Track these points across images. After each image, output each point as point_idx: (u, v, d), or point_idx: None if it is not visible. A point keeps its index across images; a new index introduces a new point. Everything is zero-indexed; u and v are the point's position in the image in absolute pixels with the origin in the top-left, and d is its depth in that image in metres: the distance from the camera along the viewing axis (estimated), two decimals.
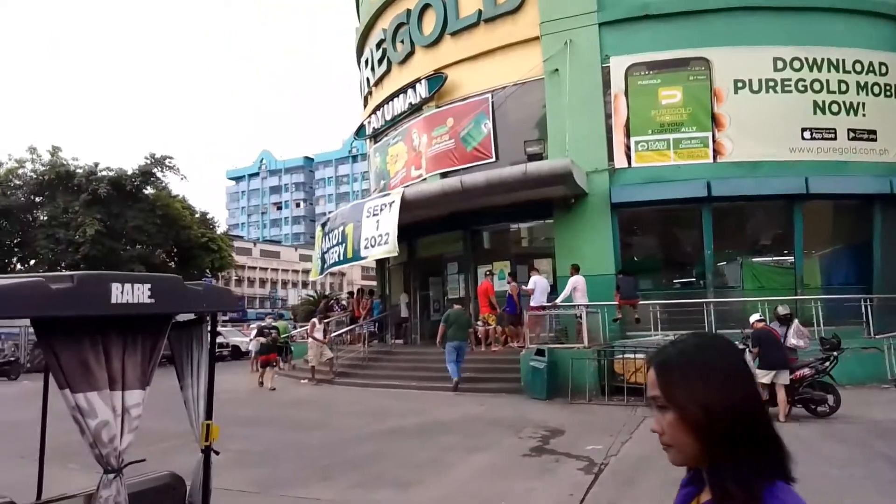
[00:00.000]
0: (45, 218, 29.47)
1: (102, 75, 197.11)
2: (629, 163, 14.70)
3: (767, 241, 15.45)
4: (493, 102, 16.55)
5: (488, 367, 13.97)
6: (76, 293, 2.10)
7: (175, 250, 32.83)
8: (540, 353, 12.06)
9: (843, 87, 14.63)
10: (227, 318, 58.72)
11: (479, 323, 15.22)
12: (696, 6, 14.67)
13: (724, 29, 14.61)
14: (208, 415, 2.74)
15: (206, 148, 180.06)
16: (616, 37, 15.03)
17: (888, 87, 14.98)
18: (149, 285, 2.29)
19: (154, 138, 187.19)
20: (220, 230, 38.13)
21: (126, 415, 2.31)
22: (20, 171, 29.61)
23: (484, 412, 10.75)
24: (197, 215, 34.35)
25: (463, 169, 16.54)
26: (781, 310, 10.19)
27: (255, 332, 21.95)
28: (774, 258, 14.94)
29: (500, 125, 16.49)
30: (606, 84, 14.94)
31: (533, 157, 14.59)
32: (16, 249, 29.58)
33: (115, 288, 2.19)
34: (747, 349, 9.38)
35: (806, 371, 9.20)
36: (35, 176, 29.54)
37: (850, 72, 14.68)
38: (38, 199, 29.93)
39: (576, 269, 13.60)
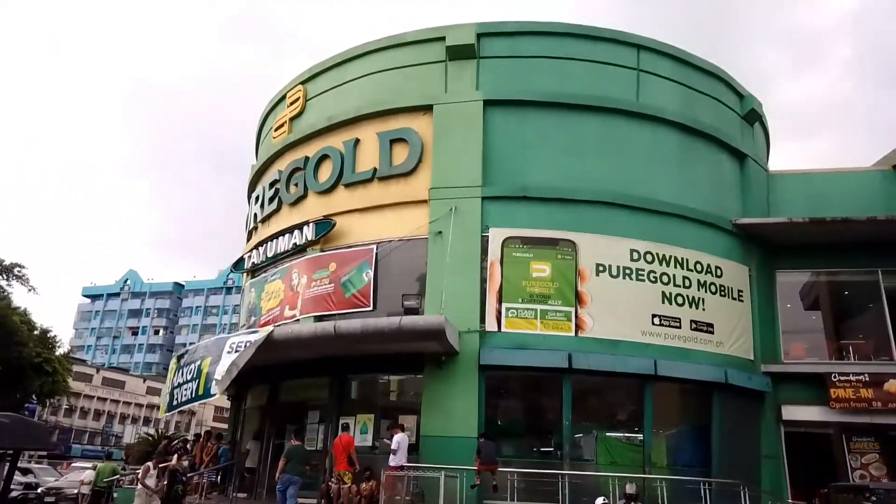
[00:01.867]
0: None
1: None
2: (499, 327, 15.31)
3: (623, 417, 16.19)
4: (377, 253, 16.98)
5: None
6: None
7: (1, 368, 28.99)
8: None
9: (687, 283, 16.50)
10: (44, 454, 51.08)
11: (332, 480, 14.28)
12: (568, 195, 16.40)
13: (591, 217, 16.32)
14: None
15: (69, 259, 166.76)
16: (496, 210, 16.30)
17: (723, 288, 17.08)
18: None
19: (8, 241, 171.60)
20: (60, 351, 34.32)
21: None
22: None
23: None
24: (36, 332, 30.93)
25: (339, 314, 16.44)
26: (629, 488, 10.49)
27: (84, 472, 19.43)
28: (627, 434, 15.58)
29: (382, 276, 16.81)
30: (484, 251, 15.90)
31: (410, 311, 14.84)
32: None
33: None
34: None
35: None
36: None
37: (692, 270, 16.68)
38: None
39: (401, 428, 13.96)
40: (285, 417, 17.88)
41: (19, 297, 32.90)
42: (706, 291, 16.71)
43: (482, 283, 15.65)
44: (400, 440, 13.43)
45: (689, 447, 15.95)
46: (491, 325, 15.33)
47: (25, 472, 25.72)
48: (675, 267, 16.49)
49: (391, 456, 13.20)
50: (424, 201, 16.73)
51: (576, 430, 14.93)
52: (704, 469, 14.81)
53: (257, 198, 22.06)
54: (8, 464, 2.15)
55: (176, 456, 15.87)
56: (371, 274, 16.84)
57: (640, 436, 15.15)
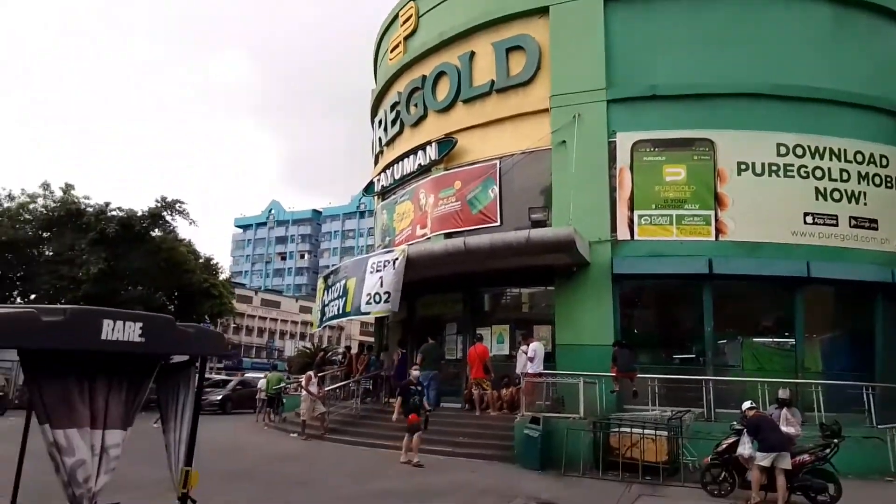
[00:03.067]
0: (51, 254, 29.61)
1: (124, 116, 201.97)
2: (632, 235, 14.85)
3: (769, 323, 15.38)
4: (500, 168, 16.88)
5: (482, 432, 13.71)
6: (67, 326, 2.10)
7: (176, 294, 32.78)
8: (535, 421, 11.87)
9: (845, 176, 14.90)
10: (221, 365, 58.06)
11: (473, 387, 15.04)
12: (703, 90, 15.14)
13: (730, 112, 15.02)
14: (188, 461, 2.68)
15: (218, 194, 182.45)
16: (623, 114, 15.45)
17: (889, 179, 15.25)
18: (140, 324, 2.30)
19: (167, 182, 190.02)
20: (222, 276, 38.12)
21: (104, 455, 2.27)
22: (31, 206, 29.96)
23: (474, 479, 10.49)
24: (201, 260, 34.44)
25: (467, 231, 16.73)
26: (782, 393, 10.06)
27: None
28: (775, 340, 14.84)
29: (507, 191, 16.77)
30: (612, 158, 15.27)
31: (537, 224, 14.77)
32: (17, 283, 29.59)
33: (107, 324, 2.19)
34: (745, 432, 9.22)
35: (805, 457, 9.00)
36: (45, 212, 29.85)
37: (851, 161, 14.99)
38: (45, 235, 30.13)
39: (535, 338, 14.24)
40: (425, 330, 18.84)
41: (182, 230, 37.26)
42: (868, 184, 15.02)
43: (611, 191, 15.14)
44: (536, 348, 13.75)
45: (846, 352, 14.91)
46: (623, 233, 14.90)
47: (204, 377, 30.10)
48: (831, 159, 14.90)
49: (528, 364, 13.59)
50: (545, 111, 16.21)
51: (718, 337, 14.43)
52: (863, 374, 13.82)
53: (380, 122, 22.51)
54: (196, 370, 2.53)
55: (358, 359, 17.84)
56: (496, 190, 16.85)
57: (791, 341, 14.37)
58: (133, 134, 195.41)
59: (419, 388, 12.40)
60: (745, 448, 9.17)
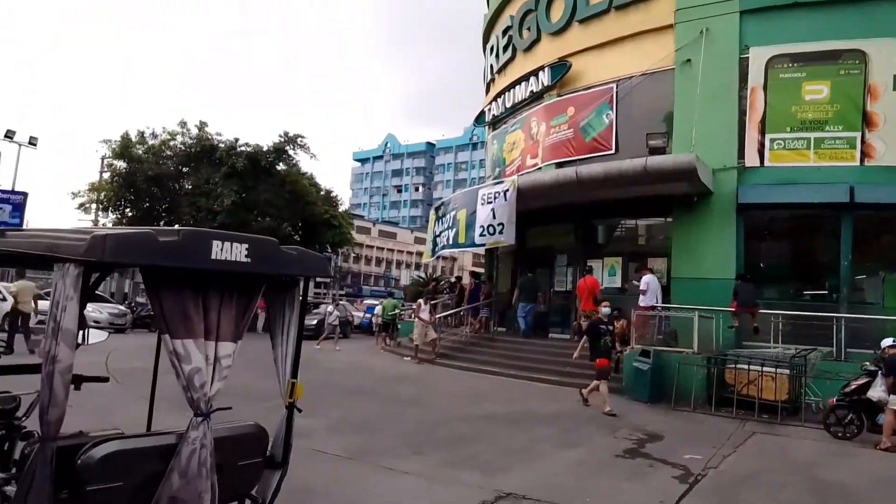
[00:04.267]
0: (190, 187, 32.14)
1: (249, 55, 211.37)
2: (762, 162, 13.71)
3: None
4: (617, 93, 16.02)
5: (590, 363, 13.64)
6: (180, 246, 2.29)
7: (300, 224, 34.76)
8: (645, 354, 11.64)
9: None
10: (342, 292, 61.57)
11: (582, 319, 14.91)
12: None
13: (887, 18, 13.16)
14: (293, 374, 2.89)
15: (341, 130, 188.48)
16: (758, 26, 14.00)
17: None
18: (246, 245, 2.47)
19: (290, 118, 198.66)
20: (342, 208, 39.82)
21: (217, 364, 2.49)
22: (171, 143, 32.49)
23: (581, 409, 10.55)
24: (322, 193, 36.10)
25: (580, 160, 16.18)
26: None
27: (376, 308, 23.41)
28: None
29: (623, 116, 15.94)
30: (743, 77, 13.98)
31: (655, 151, 14.00)
32: (163, 214, 32.55)
33: (216, 245, 2.37)
34: (879, 374, 8.53)
35: None
36: (183, 148, 32.28)
37: None
38: (184, 170, 32.67)
39: (649, 270, 13.68)
40: (535, 261, 18.79)
41: (304, 163, 39.09)
42: None
43: (740, 114, 13.95)
44: (649, 281, 13.32)
45: None
46: (751, 160, 13.79)
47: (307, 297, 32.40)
48: None
49: (640, 296, 13.22)
50: (669, 27, 15.02)
51: (856, 271, 13.21)
52: None
53: (492, 48, 21.94)
54: (298, 291, 2.72)
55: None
56: (612, 115, 16.06)
57: None
58: (260, 73, 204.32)
59: (609, 327, 11.04)
60: (878, 391, 8.50)
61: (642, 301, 13.14)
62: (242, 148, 31.71)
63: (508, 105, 19.67)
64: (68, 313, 2.15)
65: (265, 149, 32.10)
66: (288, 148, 32.94)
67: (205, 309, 2.48)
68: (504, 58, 20.58)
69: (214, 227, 28.66)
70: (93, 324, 18.83)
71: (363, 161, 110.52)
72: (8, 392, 3.16)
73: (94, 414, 6.48)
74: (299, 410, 2.97)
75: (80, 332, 3.82)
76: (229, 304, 2.56)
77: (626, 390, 11.85)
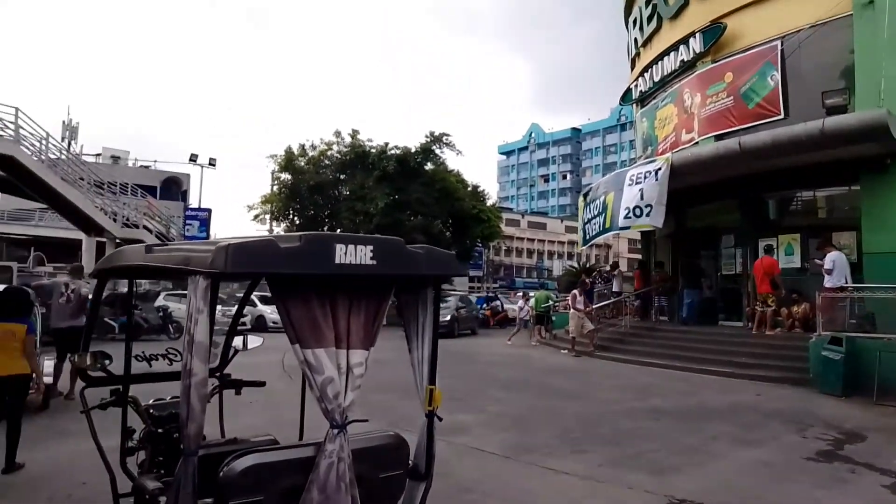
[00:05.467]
0: (347, 192, 34.04)
1: (389, 61, 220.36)
2: None
3: None
4: (782, 50, 14.34)
5: (766, 352, 12.39)
6: (302, 252, 2.23)
7: (450, 220, 35.52)
8: (835, 341, 10.28)
9: None
10: (497, 285, 62.03)
11: (757, 304, 13.56)
12: None
13: None
14: (431, 379, 2.75)
15: (481, 124, 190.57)
16: None
17: None
18: (371, 247, 2.36)
19: (435, 118, 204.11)
20: (489, 202, 40.06)
21: (350, 373, 2.41)
22: (328, 153, 34.63)
23: (760, 402, 9.56)
24: (469, 188, 36.59)
25: (742, 129, 14.71)
26: None
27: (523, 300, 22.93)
28: None
29: (791, 76, 14.24)
30: None
31: (833, 111, 12.31)
32: (326, 220, 34.80)
33: (339, 249, 2.29)
34: None
35: None
36: (339, 156, 34.24)
37: None
38: (341, 177, 34.65)
39: (834, 246, 12.11)
40: (696, 243, 17.49)
41: (450, 161, 39.64)
42: None
43: None
44: (835, 258, 11.76)
45: None
46: None
47: (492, 298, 32.68)
48: None
49: (825, 277, 11.72)
50: None
51: None
52: None
53: (634, 21, 20.74)
54: (431, 293, 2.58)
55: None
56: (777, 76, 14.41)
57: None
58: (401, 77, 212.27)
59: None
60: None
61: (828, 282, 11.63)
62: (392, 151, 33.00)
63: (657, 79, 18.46)
64: (200, 326, 2.16)
65: (413, 150, 33.15)
66: (434, 147, 33.77)
67: (333, 316, 2.41)
68: (649, 29, 19.35)
69: (371, 228, 30.11)
70: (272, 325, 20.53)
71: (508, 153, 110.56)
72: (162, 399, 3.38)
73: (262, 415, 6.99)
74: (440, 419, 2.83)
75: (241, 339, 4.06)
76: (358, 310, 2.48)
77: (814, 382, 10.56)
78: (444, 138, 33.87)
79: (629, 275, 24.69)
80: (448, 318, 21.29)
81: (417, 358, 2.75)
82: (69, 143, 37.19)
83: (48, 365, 8.13)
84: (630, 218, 14.92)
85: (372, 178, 31.99)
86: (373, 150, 33.33)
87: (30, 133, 22.34)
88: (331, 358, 2.35)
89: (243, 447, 2.58)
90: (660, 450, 6.74)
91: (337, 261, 2.27)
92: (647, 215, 14.49)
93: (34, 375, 5.84)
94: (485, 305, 31.99)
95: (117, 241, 25.41)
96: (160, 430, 3.18)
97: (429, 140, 33.62)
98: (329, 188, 34.33)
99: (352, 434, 2.46)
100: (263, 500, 2.26)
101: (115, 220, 26.75)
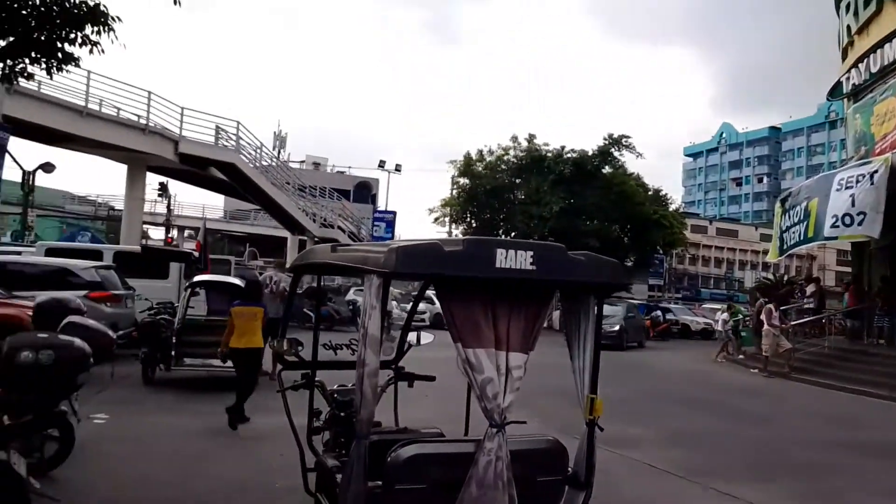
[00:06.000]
0: (522, 196, 34.33)
1: (565, 61, 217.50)
2: None
3: None
4: None
5: None
6: (464, 255, 2.34)
7: (628, 226, 34.30)
8: None
9: None
10: (679, 296, 58.47)
11: None
12: None
13: None
14: (592, 388, 2.72)
15: (662, 126, 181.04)
16: None
17: None
18: (531, 252, 2.41)
19: (611, 120, 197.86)
20: (672, 207, 38.00)
21: (509, 375, 2.47)
22: (505, 157, 35.17)
23: None
24: (650, 192, 35.05)
25: None
26: None
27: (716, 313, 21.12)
28: None
29: None
30: None
31: None
32: (501, 223, 35.38)
33: (500, 253, 2.36)
34: None
35: None
36: (515, 161, 34.61)
37: None
38: (517, 181, 35.02)
39: None
40: None
41: (630, 163, 37.78)
42: None
43: None
44: None
45: None
46: None
47: (665, 310, 30.61)
48: None
49: None
50: None
51: None
52: None
53: (847, 5, 18.44)
54: (594, 301, 2.50)
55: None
56: None
57: None
58: (578, 78, 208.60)
59: None
60: None
61: None
62: (568, 155, 32.68)
63: (874, 69, 16.25)
64: (373, 321, 2.35)
65: (590, 153, 32.53)
66: (613, 150, 32.86)
67: (494, 318, 2.49)
68: (866, 14, 17.08)
69: (545, 233, 30.06)
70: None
71: (695, 156, 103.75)
72: (345, 385, 3.69)
73: (435, 408, 7.31)
74: (601, 429, 2.79)
75: (415, 334, 4.32)
76: (518, 314, 2.54)
77: None
78: (623, 140, 32.85)
79: (837, 289, 21.97)
80: (616, 328, 19.64)
81: (579, 366, 2.76)
82: (279, 152, 41.88)
83: None
84: (838, 227, 13.26)
85: (547, 182, 31.92)
86: (549, 154, 33.25)
87: (247, 143, 25.59)
88: (490, 358, 2.44)
89: (410, 437, 2.77)
90: (861, 489, 5.96)
91: (497, 265, 2.36)
92: (860, 224, 12.78)
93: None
94: (644, 315, 29.70)
95: (316, 239, 28.15)
96: (342, 414, 3.50)
97: (607, 143, 32.79)
98: (505, 192, 34.86)
99: (511, 435, 2.52)
100: (425, 489, 2.41)
101: (314, 221, 29.68)
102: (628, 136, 32.85)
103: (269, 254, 38.59)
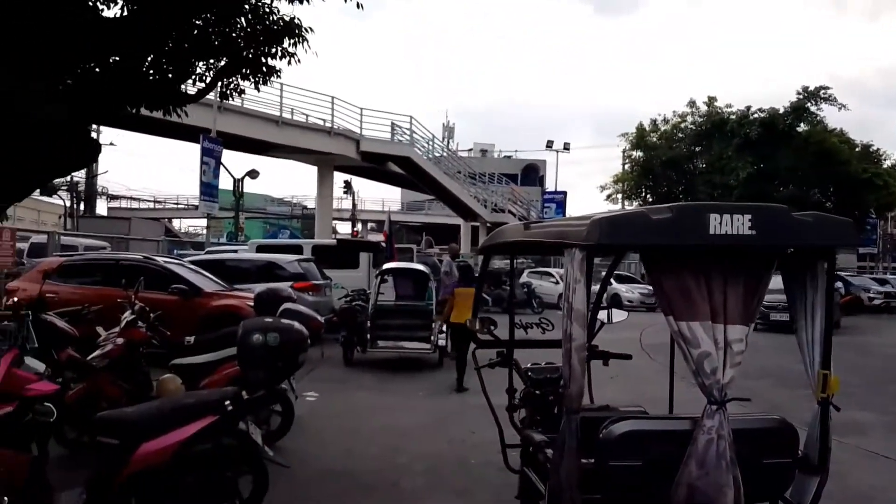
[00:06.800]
0: (703, 165, 32.00)
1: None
2: None
3: None
4: None
5: None
6: (674, 223, 2.20)
7: (831, 189, 30.57)
8: None
9: None
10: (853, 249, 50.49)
11: None
12: None
13: None
14: (825, 364, 2.42)
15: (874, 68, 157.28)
16: None
17: None
18: (749, 216, 2.21)
19: (811, 70, 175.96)
20: (887, 163, 33.10)
21: (728, 349, 2.29)
22: (682, 125, 32.97)
23: None
24: (857, 149, 30.87)
25: None
26: None
27: None
28: None
29: None
30: None
31: None
32: (680, 196, 33.24)
33: (714, 218, 2.19)
34: None
35: None
36: (694, 128, 32.29)
37: None
38: (696, 149, 32.70)
39: None
40: None
41: (830, 118, 33.10)
42: None
43: None
44: None
45: None
46: None
47: (883, 282, 26.84)
48: None
49: None
50: None
51: None
52: None
53: None
54: (823, 266, 2.16)
55: None
56: None
57: None
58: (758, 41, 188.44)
59: None
60: None
61: None
62: (755, 115, 29.85)
63: None
64: (577, 295, 2.31)
65: (781, 111, 29.42)
66: (809, 105, 29.40)
67: (708, 289, 2.32)
68: None
69: (731, 202, 27.72)
70: (626, 303, 20.69)
71: None
72: (553, 364, 3.70)
73: (624, 389, 7.10)
74: (837, 409, 2.50)
75: (606, 312, 4.22)
76: (736, 283, 2.34)
77: None
78: (822, 92, 29.26)
79: None
80: None
81: (806, 339, 2.49)
82: (448, 142, 43.17)
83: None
84: None
85: (731, 147, 29.49)
86: (732, 117, 30.64)
87: (420, 136, 26.73)
88: (706, 332, 2.29)
89: (616, 415, 2.70)
90: None
91: (711, 231, 2.20)
92: None
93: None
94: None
95: (488, 224, 28.71)
96: (537, 392, 3.53)
97: (801, 97, 29.42)
98: (683, 162, 32.81)
99: (732, 413, 2.35)
100: (641, 466, 2.34)
101: (485, 206, 30.26)
102: (827, 87, 29.26)
103: (444, 241, 40.14)
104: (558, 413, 3.33)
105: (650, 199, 33.33)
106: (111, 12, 4.39)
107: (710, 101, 31.98)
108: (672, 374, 3.38)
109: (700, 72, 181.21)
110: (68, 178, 29.79)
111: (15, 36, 3.64)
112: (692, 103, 32.51)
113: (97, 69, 4.24)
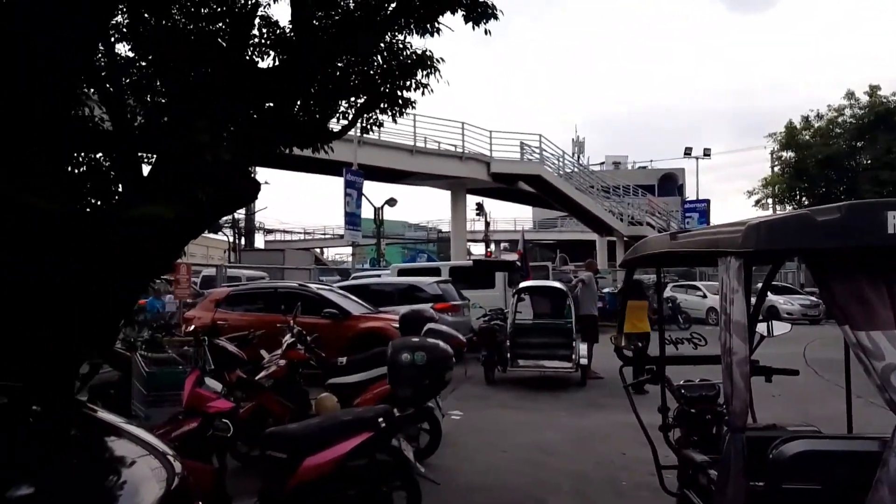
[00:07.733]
0: (867, 162, 28.88)
1: None
2: None
3: None
4: None
5: None
6: (844, 224, 2.02)
7: None
8: None
9: None
10: None
11: None
12: None
13: None
14: None
15: None
16: None
17: None
18: None
19: None
20: None
21: None
22: (839, 119, 30.01)
23: None
24: None
25: None
26: None
27: None
28: None
29: None
30: None
31: None
32: (841, 196, 30.18)
33: (892, 216, 1.99)
34: None
35: None
36: (854, 121, 29.30)
37: None
38: (858, 144, 29.62)
39: None
40: None
41: None
42: None
43: None
44: None
45: None
46: None
47: None
48: None
49: None
50: None
51: None
52: None
53: None
54: None
55: None
56: None
57: None
58: None
59: None
60: None
61: None
62: None
63: None
64: (736, 306, 2.17)
65: None
66: None
67: (890, 294, 2.09)
68: None
69: None
70: (785, 315, 19.00)
71: None
72: (708, 380, 3.50)
73: (789, 408, 6.51)
74: None
75: (766, 325, 3.92)
76: None
77: None
78: None
79: None
80: None
81: None
82: (578, 157, 42.54)
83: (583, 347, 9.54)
84: None
85: None
86: None
87: (550, 154, 26.56)
88: (891, 341, 2.05)
89: (787, 434, 2.50)
90: None
91: (890, 230, 2.00)
92: None
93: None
94: None
95: (625, 238, 27.77)
96: (693, 410, 3.35)
97: None
98: (843, 160, 29.85)
99: None
100: (821, 489, 2.14)
101: (621, 220, 29.33)
102: None
103: (578, 258, 39.29)
104: (717, 433, 3.13)
105: (805, 203, 30.57)
106: (264, 63, 4.87)
107: (873, 90, 28.89)
108: (849, 389, 3.06)
109: (846, 63, 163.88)
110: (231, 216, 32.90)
111: (203, 90, 4.16)
112: (850, 95, 29.58)
113: (255, 115, 4.69)
